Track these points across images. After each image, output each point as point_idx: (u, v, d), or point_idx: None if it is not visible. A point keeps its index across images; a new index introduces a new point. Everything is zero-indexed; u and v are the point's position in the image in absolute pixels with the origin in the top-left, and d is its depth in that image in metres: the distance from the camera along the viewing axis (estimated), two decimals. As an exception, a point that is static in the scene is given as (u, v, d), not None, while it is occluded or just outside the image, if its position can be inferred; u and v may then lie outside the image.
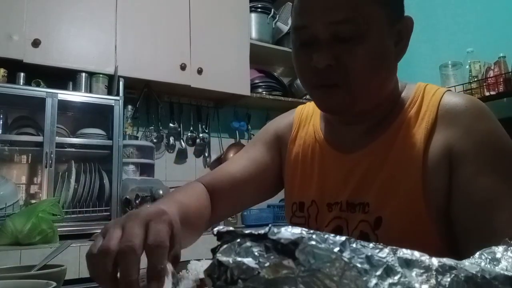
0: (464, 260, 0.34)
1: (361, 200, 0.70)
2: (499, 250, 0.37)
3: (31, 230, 1.58)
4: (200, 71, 2.36)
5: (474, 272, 0.31)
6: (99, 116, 2.18)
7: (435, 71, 2.46)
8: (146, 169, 2.29)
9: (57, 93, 1.89)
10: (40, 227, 1.60)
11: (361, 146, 0.73)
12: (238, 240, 0.30)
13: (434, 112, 0.68)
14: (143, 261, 0.46)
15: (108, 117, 2.10)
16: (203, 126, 2.70)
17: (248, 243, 0.30)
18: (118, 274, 0.45)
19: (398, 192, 0.66)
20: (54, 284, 0.57)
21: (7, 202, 1.76)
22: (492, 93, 2.13)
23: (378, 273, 0.29)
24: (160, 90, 2.44)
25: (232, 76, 2.50)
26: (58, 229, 1.69)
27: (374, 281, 0.29)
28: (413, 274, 0.30)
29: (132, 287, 0.43)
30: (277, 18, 2.82)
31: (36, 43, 1.91)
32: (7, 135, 1.93)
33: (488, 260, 0.36)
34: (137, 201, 1.99)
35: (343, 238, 0.30)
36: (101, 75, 2.11)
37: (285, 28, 2.83)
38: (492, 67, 2.17)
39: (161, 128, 2.52)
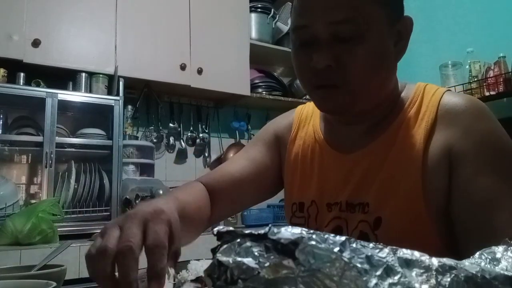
0: (464, 260, 0.34)
1: (361, 200, 0.70)
2: (499, 250, 0.37)
3: (31, 230, 1.58)
4: (200, 71, 2.36)
5: (474, 272, 0.31)
6: (99, 116, 2.18)
7: (435, 71, 2.46)
8: (146, 169, 2.29)
9: (57, 93, 1.89)
10: (40, 227, 1.60)
11: (360, 146, 0.73)
12: (238, 240, 0.30)
13: (433, 112, 0.68)
14: (144, 262, 0.46)
15: (108, 117, 2.09)
16: (203, 126, 2.70)
17: (248, 243, 0.30)
18: (117, 274, 0.45)
19: (398, 192, 0.66)
20: (54, 284, 0.57)
21: (7, 202, 1.76)
22: (492, 93, 2.13)
23: (378, 273, 0.29)
24: (160, 90, 2.44)
25: (232, 76, 2.50)
26: (58, 229, 1.70)
27: (374, 281, 0.29)
28: (413, 274, 0.30)
29: (131, 287, 0.43)
30: (277, 18, 2.82)
31: (36, 43, 1.91)
32: (7, 135, 1.93)
33: (488, 260, 0.36)
34: (137, 201, 1.99)
35: (343, 238, 0.30)
36: (101, 75, 2.11)
37: (285, 28, 2.83)
38: (492, 67, 2.17)
39: (161, 128, 2.52)
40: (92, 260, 0.46)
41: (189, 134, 2.66)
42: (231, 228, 0.31)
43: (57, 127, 1.89)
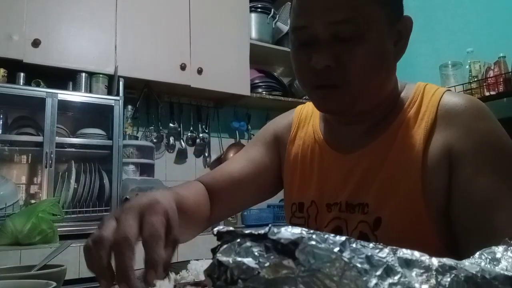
0: (464, 260, 0.34)
1: (361, 200, 0.70)
2: (499, 250, 0.37)
3: (31, 230, 1.58)
4: (200, 71, 2.36)
5: (474, 272, 0.31)
6: (99, 116, 2.18)
7: (435, 71, 2.46)
8: (146, 169, 2.29)
9: (57, 93, 1.89)
10: (40, 227, 1.60)
11: (360, 146, 0.73)
12: (238, 240, 0.30)
13: (433, 112, 0.68)
14: (142, 262, 0.46)
15: (108, 117, 2.10)
16: (203, 126, 2.70)
17: (248, 243, 0.30)
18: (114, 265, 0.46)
19: (398, 192, 0.66)
20: (54, 284, 0.57)
21: (7, 202, 1.76)
22: (492, 93, 2.13)
23: (378, 273, 0.29)
24: (160, 90, 2.44)
25: (232, 76, 2.50)
26: (58, 229, 1.70)
27: (374, 281, 0.29)
28: (413, 274, 0.30)
29: (128, 276, 0.44)
30: (277, 18, 2.82)
31: (36, 43, 1.91)
32: (7, 135, 1.93)
33: (488, 260, 0.36)
34: (137, 201, 1.99)
35: (343, 238, 0.30)
36: (101, 75, 2.11)
37: (285, 28, 2.83)
38: (492, 67, 2.17)
39: (161, 128, 2.52)
40: (89, 251, 0.47)
41: (189, 134, 2.66)
42: (231, 228, 0.31)
43: (57, 127, 1.89)
